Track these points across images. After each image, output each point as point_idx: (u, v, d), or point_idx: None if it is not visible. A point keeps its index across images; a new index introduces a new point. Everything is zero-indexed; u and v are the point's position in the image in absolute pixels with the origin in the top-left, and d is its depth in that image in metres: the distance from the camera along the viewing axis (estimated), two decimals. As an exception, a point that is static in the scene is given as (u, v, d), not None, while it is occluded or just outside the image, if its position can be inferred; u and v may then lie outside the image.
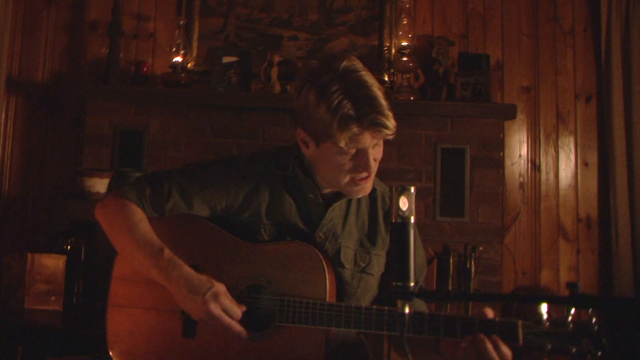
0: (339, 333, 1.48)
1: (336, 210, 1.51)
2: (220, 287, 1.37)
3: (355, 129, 1.33)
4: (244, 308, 1.39)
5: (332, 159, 1.40)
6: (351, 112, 1.32)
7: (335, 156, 1.39)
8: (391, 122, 1.35)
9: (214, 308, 1.34)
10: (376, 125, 1.34)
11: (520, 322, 1.25)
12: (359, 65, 1.39)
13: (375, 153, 1.41)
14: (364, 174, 1.41)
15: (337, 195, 1.51)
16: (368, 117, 1.33)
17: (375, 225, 1.55)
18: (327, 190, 1.51)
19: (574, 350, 1.21)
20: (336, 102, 1.33)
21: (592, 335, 1.21)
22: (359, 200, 1.54)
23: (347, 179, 1.41)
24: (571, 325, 1.23)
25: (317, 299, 1.38)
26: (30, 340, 2.37)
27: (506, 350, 1.26)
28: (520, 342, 1.25)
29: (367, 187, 1.45)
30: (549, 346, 1.23)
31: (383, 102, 1.35)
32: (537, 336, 1.24)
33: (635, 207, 3.25)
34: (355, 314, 1.35)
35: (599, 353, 1.19)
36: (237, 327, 1.36)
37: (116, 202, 1.48)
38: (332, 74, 1.36)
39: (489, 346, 1.25)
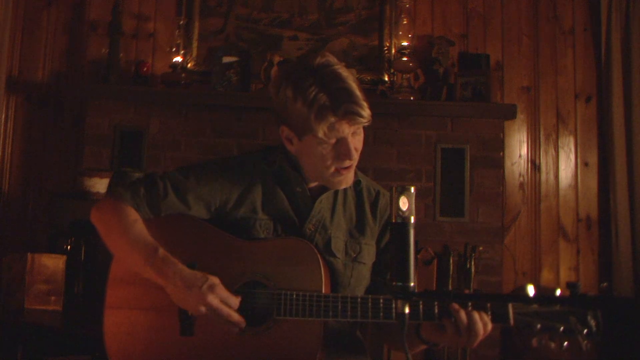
0: (336, 325, 1.50)
1: (324, 202, 1.55)
2: (216, 280, 1.38)
3: (332, 119, 1.38)
4: (239, 298, 1.40)
5: (315, 151, 1.44)
6: (327, 103, 1.38)
7: (317, 147, 1.43)
8: (366, 111, 1.40)
9: (212, 299, 1.35)
10: (351, 114, 1.39)
11: (510, 303, 1.30)
12: (333, 60, 1.44)
13: (356, 142, 1.45)
14: (347, 163, 1.45)
15: (323, 189, 1.55)
16: (343, 106, 1.38)
17: (363, 216, 1.58)
18: (313, 184, 1.55)
19: (561, 328, 1.25)
20: (312, 95, 1.39)
21: (578, 313, 1.25)
22: (344, 192, 1.58)
23: (332, 169, 1.46)
24: (558, 305, 1.26)
25: (313, 291, 1.40)
26: (30, 340, 2.37)
27: (486, 319, 1.31)
28: (512, 322, 1.29)
29: (349, 177, 1.50)
30: (538, 325, 1.26)
31: (357, 92, 1.40)
32: (527, 316, 1.28)
33: (635, 207, 3.25)
34: (351, 304, 1.37)
35: (585, 330, 1.22)
36: (236, 316, 1.38)
37: (111, 204, 1.49)
38: (307, 70, 1.42)
39: (476, 316, 1.29)
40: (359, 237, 1.56)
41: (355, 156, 1.45)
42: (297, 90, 1.41)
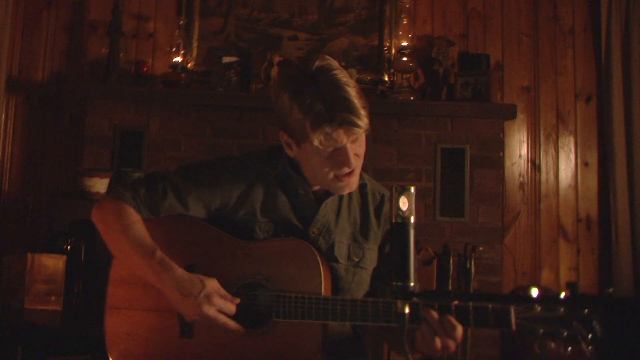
0: (336, 328, 1.49)
1: (329, 206, 1.53)
2: (212, 285, 1.37)
3: (327, 129, 1.35)
4: (237, 301, 1.39)
5: (313, 158, 1.42)
6: (323, 111, 1.34)
7: (315, 155, 1.40)
8: (363, 121, 1.36)
9: (208, 309, 1.35)
10: (347, 124, 1.35)
11: (512, 308, 1.26)
12: (333, 64, 1.40)
13: (356, 148, 1.41)
14: (346, 170, 1.41)
15: (327, 192, 1.53)
16: (339, 115, 1.34)
17: (367, 221, 1.57)
18: (317, 187, 1.53)
19: (565, 333, 1.23)
20: (308, 102, 1.35)
21: (582, 318, 1.22)
22: (350, 196, 1.56)
23: (330, 175, 1.43)
24: (562, 309, 1.24)
25: (312, 294, 1.39)
26: (30, 340, 2.37)
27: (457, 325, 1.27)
28: (514, 327, 1.26)
29: (352, 182, 1.46)
30: (541, 330, 1.24)
31: (355, 100, 1.35)
32: (529, 321, 1.25)
33: (635, 207, 3.25)
34: (350, 307, 1.36)
35: (590, 335, 1.21)
36: (233, 324, 1.37)
37: (111, 204, 1.48)
38: (305, 75, 1.38)
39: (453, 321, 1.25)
40: (363, 242, 1.55)
41: (355, 163, 1.42)
42: (294, 97, 1.38)
